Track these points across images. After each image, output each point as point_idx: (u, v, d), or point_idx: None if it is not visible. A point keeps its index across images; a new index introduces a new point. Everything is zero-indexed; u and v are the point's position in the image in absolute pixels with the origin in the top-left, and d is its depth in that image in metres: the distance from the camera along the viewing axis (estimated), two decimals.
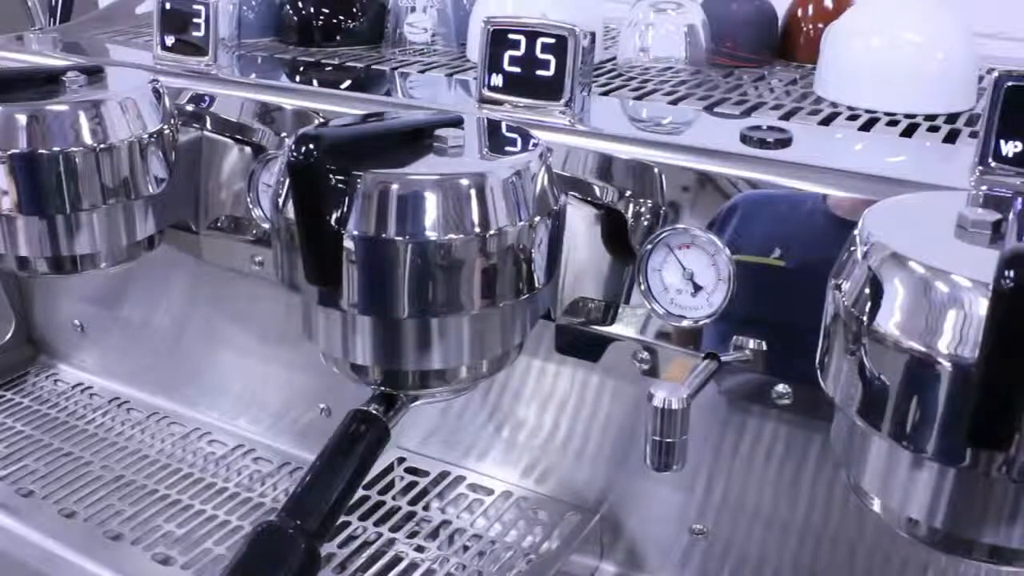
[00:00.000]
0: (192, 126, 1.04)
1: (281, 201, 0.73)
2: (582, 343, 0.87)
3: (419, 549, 0.94)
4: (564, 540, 0.93)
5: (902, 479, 0.60)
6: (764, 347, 0.77)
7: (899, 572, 0.82)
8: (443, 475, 1.04)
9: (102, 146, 0.92)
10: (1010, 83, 0.70)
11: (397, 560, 0.93)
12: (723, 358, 0.78)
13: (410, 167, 0.72)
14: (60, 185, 0.90)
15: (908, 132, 0.86)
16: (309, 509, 0.70)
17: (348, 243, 0.69)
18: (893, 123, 0.88)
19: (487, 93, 0.90)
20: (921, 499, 0.59)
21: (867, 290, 0.58)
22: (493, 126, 0.83)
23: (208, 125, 1.04)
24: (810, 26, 1.11)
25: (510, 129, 0.82)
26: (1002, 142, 0.71)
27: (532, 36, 0.86)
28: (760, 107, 0.93)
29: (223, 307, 1.14)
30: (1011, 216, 0.59)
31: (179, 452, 1.12)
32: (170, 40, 1.10)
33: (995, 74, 0.70)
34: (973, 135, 0.83)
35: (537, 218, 0.74)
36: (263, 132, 1.00)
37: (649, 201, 0.82)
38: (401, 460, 1.06)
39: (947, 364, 0.54)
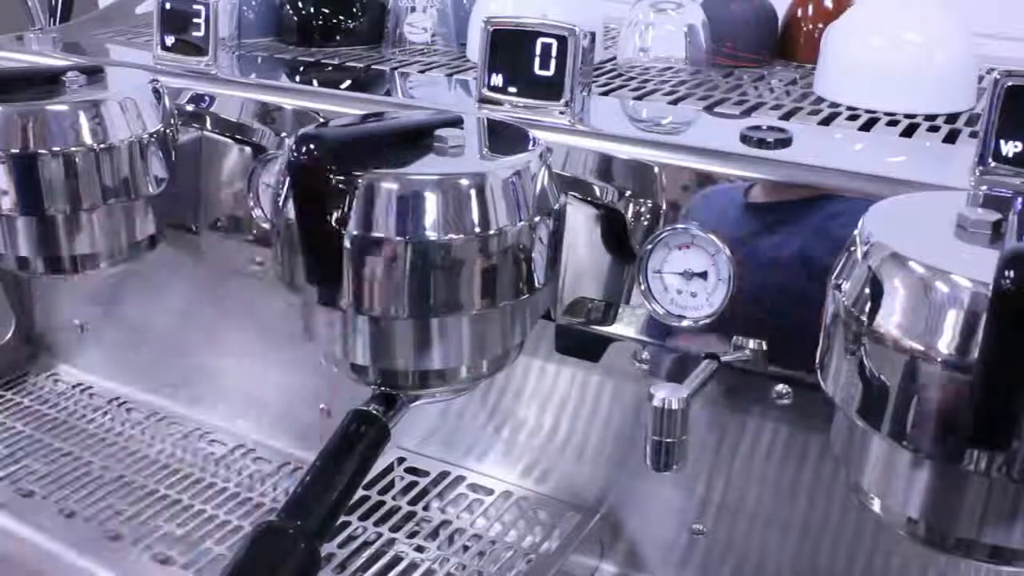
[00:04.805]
0: (192, 126, 1.04)
1: (281, 201, 0.73)
2: (582, 343, 0.87)
3: (419, 549, 0.94)
4: (564, 540, 0.93)
5: (902, 479, 0.60)
6: (764, 347, 0.77)
7: (899, 572, 0.82)
8: (443, 475, 1.04)
9: (102, 146, 0.92)
10: (1010, 83, 0.70)
11: (397, 560, 0.93)
12: (723, 358, 0.78)
13: (410, 167, 0.72)
14: (60, 185, 0.90)
15: (908, 132, 0.86)
16: (309, 509, 0.70)
17: (348, 243, 0.69)
18: (893, 123, 0.88)
19: (487, 93, 0.89)
20: (921, 499, 0.59)
21: (867, 290, 0.58)
22: (493, 126, 0.83)
23: (208, 125, 1.04)
24: (810, 26, 1.11)
25: (510, 129, 0.82)
26: (1002, 142, 0.71)
27: (532, 36, 0.86)
28: (760, 107, 0.93)
29: (223, 307, 1.14)
30: (1011, 216, 0.59)
31: (179, 452, 1.12)
32: (170, 40, 1.09)
33: (995, 74, 0.70)
34: (973, 135, 0.83)
35: (537, 218, 0.74)
36: (263, 132, 1.00)
37: (649, 201, 0.82)
38: (401, 460, 1.06)
39: (947, 364, 0.54)
